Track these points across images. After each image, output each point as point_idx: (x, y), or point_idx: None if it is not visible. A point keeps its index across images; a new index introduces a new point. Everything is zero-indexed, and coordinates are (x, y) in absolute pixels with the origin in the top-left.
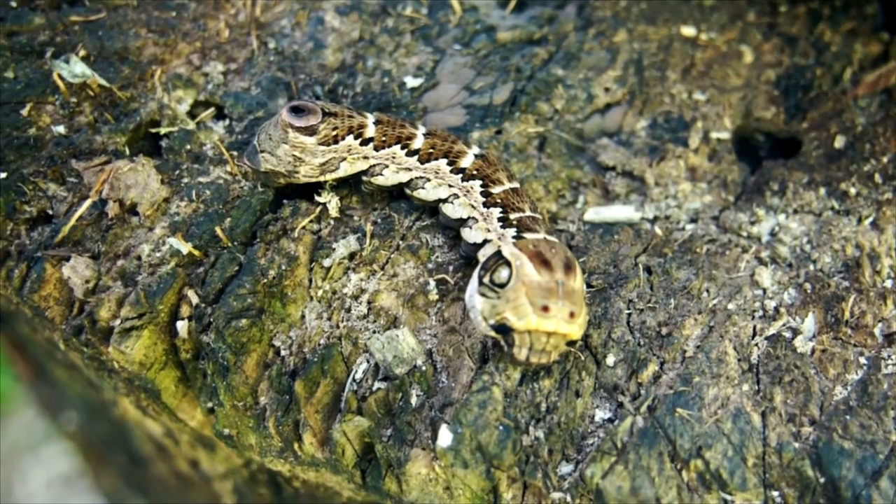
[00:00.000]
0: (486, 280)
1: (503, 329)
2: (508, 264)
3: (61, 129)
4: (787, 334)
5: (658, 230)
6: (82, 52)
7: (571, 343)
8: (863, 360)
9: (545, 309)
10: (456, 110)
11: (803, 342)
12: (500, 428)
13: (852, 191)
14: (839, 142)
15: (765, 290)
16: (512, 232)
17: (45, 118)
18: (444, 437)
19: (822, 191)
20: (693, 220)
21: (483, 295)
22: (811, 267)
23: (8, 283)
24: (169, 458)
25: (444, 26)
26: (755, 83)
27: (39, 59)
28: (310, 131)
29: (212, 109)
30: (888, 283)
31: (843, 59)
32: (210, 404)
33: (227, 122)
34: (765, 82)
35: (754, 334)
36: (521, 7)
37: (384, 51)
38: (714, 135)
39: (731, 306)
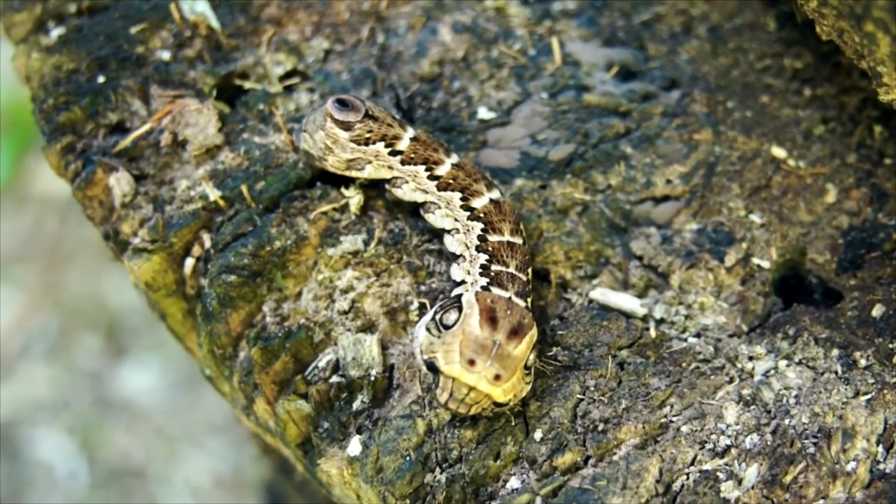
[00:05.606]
0: (437, 317)
1: (432, 368)
2: (460, 310)
3: (166, 55)
4: (722, 475)
5: (653, 332)
6: None
7: (500, 405)
8: None
9: (471, 363)
10: (512, 154)
11: (731, 488)
12: (406, 458)
13: (863, 362)
14: (877, 310)
15: (727, 426)
16: (483, 282)
17: (156, 42)
18: (354, 446)
19: (835, 352)
20: (697, 336)
21: (428, 330)
22: (786, 421)
23: (65, 172)
24: None
25: (541, 72)
26: (823, 225)
27: None
28: (346, 126)
29: (299, 79)
30: (850, 466)
31: None
32: (198, 342)
33: (313, 96)
34: (834, 227)
35: (691, 463)
36: (626, 77)
37: (477, 77)
38: (755, 260)
39: (684, 428)
